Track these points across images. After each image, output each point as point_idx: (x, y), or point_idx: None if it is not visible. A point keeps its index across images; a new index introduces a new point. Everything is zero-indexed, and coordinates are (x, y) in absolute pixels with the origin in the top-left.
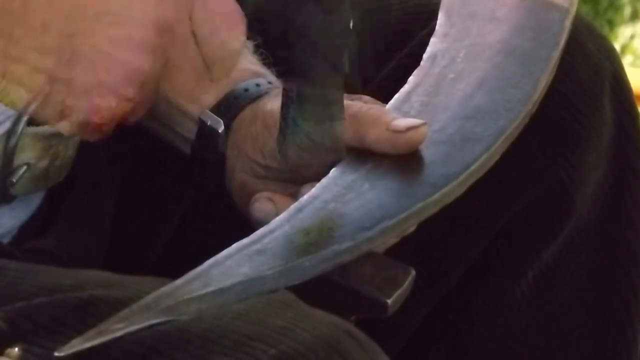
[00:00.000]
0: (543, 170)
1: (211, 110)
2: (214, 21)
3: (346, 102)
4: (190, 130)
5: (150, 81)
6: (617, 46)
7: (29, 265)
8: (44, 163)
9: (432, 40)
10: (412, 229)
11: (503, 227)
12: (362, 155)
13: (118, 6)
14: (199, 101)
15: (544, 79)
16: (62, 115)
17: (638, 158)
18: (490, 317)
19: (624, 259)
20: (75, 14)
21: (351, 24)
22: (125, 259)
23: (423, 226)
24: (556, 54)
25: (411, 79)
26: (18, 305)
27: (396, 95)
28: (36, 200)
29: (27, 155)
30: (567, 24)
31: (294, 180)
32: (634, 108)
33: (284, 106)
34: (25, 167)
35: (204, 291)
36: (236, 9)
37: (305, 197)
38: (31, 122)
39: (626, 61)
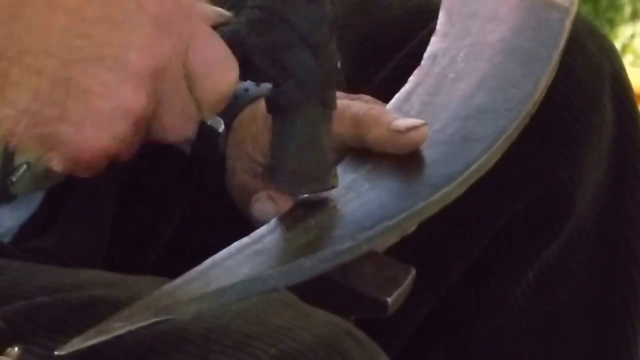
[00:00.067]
0: (543, 170)
1: None
2: (207, 66)
3: (346, 102)
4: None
5: (141, 121)
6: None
7: (30, 264)
8: (44, 162)
9: (433, 39)
10: (412, 229)
11: (503, 227)
12: (363, 155)
13: (113, 51)
14: None
15: (545, 79)
16: (52, 145)
17: (638, 157)
18: (491, 316)
19: (624, 258)
20: (70, 57)
21: (339, 64)
22: (125, 259)
23: (423, 226)
24: (556, 54)
25: (411, 78)
26: (18, 305)
27: (396, 95)
28: (36, 199)
29: (28, 154)
30: (568, 23)
31: None
32: (635, 107)
33: (274, 138)
34: (25, 167)
35: (204, 291)
36: (228, 54)
37: (305, 197)
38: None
39: (626, 61)
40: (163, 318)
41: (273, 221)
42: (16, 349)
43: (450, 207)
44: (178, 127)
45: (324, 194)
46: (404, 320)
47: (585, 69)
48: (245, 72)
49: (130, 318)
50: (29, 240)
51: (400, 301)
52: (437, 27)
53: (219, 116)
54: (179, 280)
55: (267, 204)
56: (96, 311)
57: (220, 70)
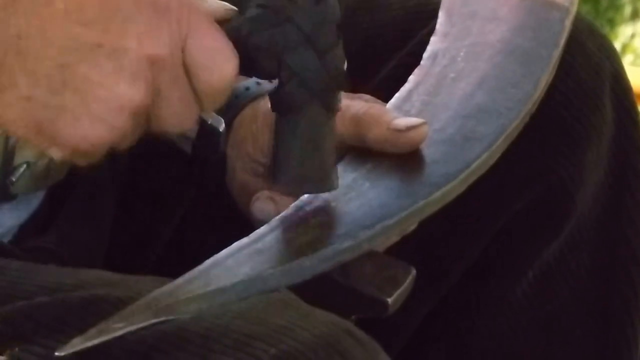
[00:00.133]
0: (543, 169)
1: None
2: (206, 57)
3: (347, 101)
4: (190, 130)
5: (140, 111)
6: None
7: (30, 264)
8: (44, 162)
9: (433, 39)
10: (412, 228)
11: (504, 226)
12: (363, 154)
13: (112, 39)
14: None
15: (545, 79)
16: (52, 141)
17: (638, 157)
18: (491, 316)
19: (624, 258)
20: (69, 45)
21: (345, 65)
22: (125, 258)
23: (424, 225)
24: (556, 54)
25: (412, 78)
26: (19, 305)
27: (397, 95)
28: (37, 199)
29: (28, 153)
30: (568, 23)
31: None
32: (635, 107)
33: (276, 138)
34: (25, 166)
35: (204, 290)
36: (228, 46)
37: (305, 196)
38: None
39: (626, 60)
40: (163, 318)
41: (273, 221)
42: (17, 348)
43: (451, 206)
44: (177, 118)
45: (325, 194)
46: (404, 319)
47: (585, 68)
48: (247, 70)
49: (130, 318)
50: (29, 239)
51: (400, 301)
52: (437, 27)
53: (220, 115)
54: (179, 280)
55: (268, 204)
56: (96, 311)
57: (218, 62)
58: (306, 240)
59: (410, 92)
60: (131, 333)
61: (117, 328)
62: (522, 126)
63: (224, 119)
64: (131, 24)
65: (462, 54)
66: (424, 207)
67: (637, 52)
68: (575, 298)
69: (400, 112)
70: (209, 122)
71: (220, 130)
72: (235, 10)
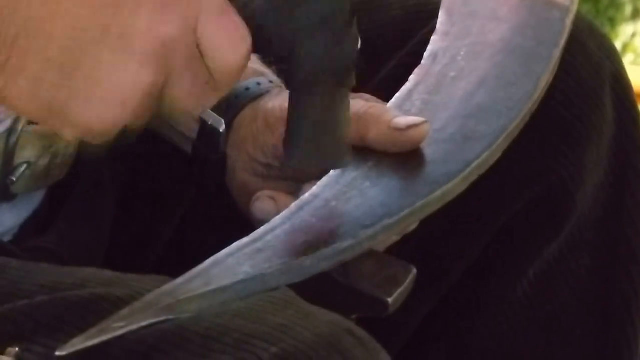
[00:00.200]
0: (544, 168)
1: (212, 109)
2: (219, 36)
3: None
4: (191, 129)
5: (153, 92)
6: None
7: (30, 263)
8: (44, 161)
9: (433, 38)
10: (413, 227)
11: (504, 226)
12: (363, 153)
13: (123, 20)
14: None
15: (545, 78)
16: (64, 123)
17: (639, 157)
18: (491, 315)
19: (624, 257)
20: (79, 27)
21: (359, 44)
22: (126, 258)
23: (424, 224)
24: (557, 53)
25: (412, 77)
26: (19, 304)
27: (397, 94)
28: (37, 198)
29: (28, 153)
30: (568, 22)
31: (295, 178)
32: (635, 107)
33: (290, 115)
34: (25, 165)
35: (204, 289)
36: (241, 25)
37: (306, 196)
38: (32, 121)
39: (627, 60)
40: (164, 317)
41: (273, 220)
42: (17, 348)
43: (451, 205)
44: (191, 99)
45: (325, 193)
46: (404, 318)
47: (586, 68)
48: (261, 49)
49: (131, 317)
50: (30, 239)
51: (401, 300)
52: (438, 26)
53: (220, 116)
54: (179, 280)
55: (268, 203)
56: (97, 310)
57: (232, 41)
58: (306, 239)
59: (410, 92)
60: (131, 332)
61: (118, 327)
62: (522, 125)
63: (224, 119)
64: (141, 5)
65: (462, 53)
66: (424, 206)
67: (637, 52)
68: (575, 298)
69: (401, 112)
70: (209, 123)
71: (221, 130)
72: None
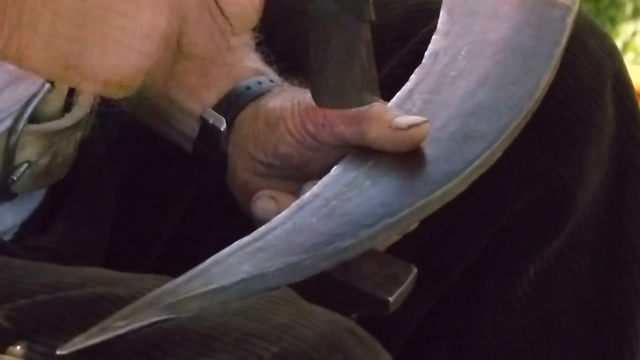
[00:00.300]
0: (545, 167)
1: (213, 108)
2: None
3: None
4: (192, 128)
5: (169, 36)
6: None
7: (31, 263)
8: (45, 160)
9: (434, 37)
10: (414, 227)
11: (504, 225)
12: (364, 152)
13: None
14: (200, 99)
15: (546, 77)
16: (82, 76)
17: (639, 155)
18: (492, 314)
19: (625, 256)
20: None
21: None
22: (126, 257)
23: (425, 224)
24: (558, 52)
25: (413, 76)
26: (20, 303)
27: (398, 93)
28: (38, 197)
29: (29, 152)
30: (569, 21)
31: (296, 178)
32: (636, 106)
33: (314, 51)
34: (26, 165)
35: (205, 289)
36: None
37: (306, 195)
38: (32, 120)
39: (628, 59)
40: (165, 316)
41: (274, 219)
42: (18, 347)
43: (452, 205)
44: (208, 43)
45: (325, 192)
46: (405, 318)
47: (587, 67)
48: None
49: (132, 316)
50: (30, 238)
51: (401, 299)
52: (439, 25)
53: (221, 115)
54: (180, 279)
55: (268, 203)
56: (97, 309)
57: None
58: (307, 238)
59: (411, 91)
60: (132, 332)
61: (119, 327)
62: (523, 124)
63: (225, 118)
64: None
65: (463, 52)
66: (425, 205)
67: (638, 51)
68: (576, 297)
69: (402, 111)
70: (210, 122)
71: (221, 129)
72: None
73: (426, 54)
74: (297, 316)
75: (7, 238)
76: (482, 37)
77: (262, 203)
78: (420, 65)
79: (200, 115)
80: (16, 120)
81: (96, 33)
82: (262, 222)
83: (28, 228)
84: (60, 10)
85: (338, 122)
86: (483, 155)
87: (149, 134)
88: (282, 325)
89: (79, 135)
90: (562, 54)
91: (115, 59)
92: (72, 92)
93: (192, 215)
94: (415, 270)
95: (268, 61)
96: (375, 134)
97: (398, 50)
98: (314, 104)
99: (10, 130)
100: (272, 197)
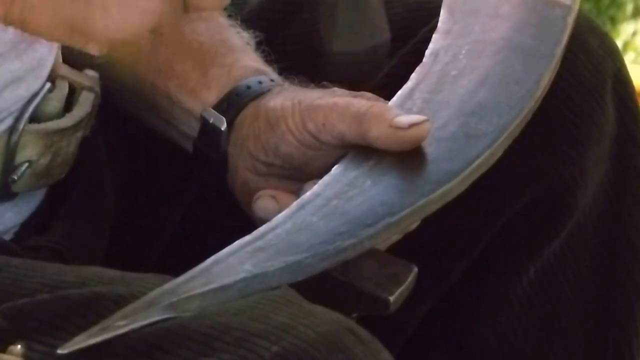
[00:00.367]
0: (545, 167)
1: (213, 108)
2: None
3: (348, 99)
4: (192, 128)
5: None
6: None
7: (31, 262)
8: (45, 160)
9: (435, 37)
10: (414, 226)
11: (505, 224)
12: (365, 152)
13: None
14: (200, 98)
15: (547, 76)
16: (88, 37)
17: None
18: (492, 314)
19: (625, 256)
20: None
21: None
22: (127, 256)
23: (425, 223)
24: (559, 51)
25: (413, 76)
26: (20, 302)
27: (398, 92)
28: (38, 197)
29: (29, 152)
30: (570, 20)
31: (296, 177)
32: (636, 105)
33: (324, 8)
34: (27, 164)
35: (206, 288)
36: None
37: (307, 194)
38: (33, 119)
39: (628, 58)
40: (166, 316)
41: (275, 219)
42: (19, 346)
43: (452, 204)
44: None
45: (326, 192)
46: (405, 317)
47: (587, 66)
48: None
49: (132, 316)
50: (31, 238)
51: (402, 299)
52: (439, 24)
53: (221, 114)
54: (181, 278)
55: (269, 202)
56: (98, 308)
57: None
58: (307, 238)
59: (412, 90)
60: (133, 331)
61: (119, 326)
62: (524, 124)
63: (225, 117)
64: None
65: (464, 51)
66: (425, 205)
67: (638, 50)
68: (576, 297)
69: (402, 110)
70: (211, 121)
71: (222, 129)
72: None
73: (427, 53)
74: (297, 315)
75: (7, 237)
76: (483, 36)
77: (262, 202)
78: (421, 65)
79: (201, 115)
80: (17, 120)
81: None
82: (263, 221)
83: (28, 228)
84: None
85: (339, 122)
86: (483, 154)
87: (149, 134)
88: (282, 324)
89: (79, 134)
90: (562, 54)
91: (119, 17)
92: (72, 92)
93: (192, 215)
94: (415, 269)
95: (268, 60)
96: (376, 133)
97: (398, 49)
98: (314, 103)
99: (11, 130)
100: (273, 197)
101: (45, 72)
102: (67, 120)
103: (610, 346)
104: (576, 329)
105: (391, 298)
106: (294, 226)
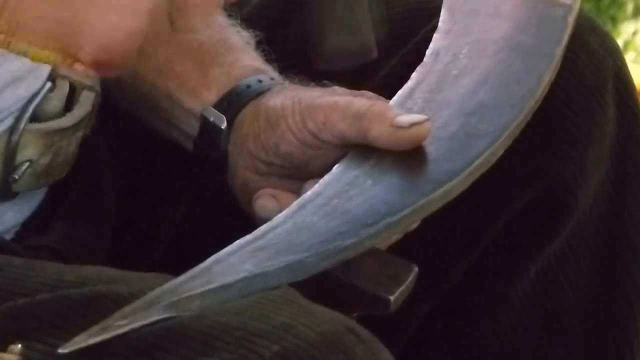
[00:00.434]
0: (545, 167)
1: (213, 107)
2: None
3: (349, 98)
4: (192, 127)
5: (155, 10)
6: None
7: (32, 261)
8: (46, 159)
9: (435, 36)
10: (415, 225)
11: (505, 224)
12: (365, 151)
13: None
14: (200, 97)
15: (548, 75)
16: (74, 57)
17: None
18: (492, 313)
19: (625, 256)
20: None
21: None
22: (127, 256)
23: (426, 223)
24: (559, 51)
25: (414, 75)
26: (21, 302)
27: (399, 92)
28: (38, 196)
29: (30, 151)
30: (570, 20)
31: (297, 176)
32: (637, 105)
33: (308, 21)
34: (27, 164)
35: (206, 287)
36: None
37: (308, 194)
38: (33, 119)
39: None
40: (166, 315)
41: (275, 218)
42: (19, 345)
43: (453, 203)
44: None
45: (327, 191)
46: (406, 317)
47: (588, 66)
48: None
49: (133, 315)
50: (31, 237)
51: (402, 298)
52: (440, 24)
53: (222, 113)
54: (181, 278)
55: (269, 201)
56: (98, 307)
57: None
58: (308, 237)
59: (412, 90)
60: (133, 330)
61: (120, 325)
62: (524, 123)
63: (225, 116)
64: None
65: (464, 51)
66: (426, 204)
67: (639, 50)
68: (576, 297)
69: (403, 110)
70: (211, 120)
71: (222, 128)
72: None
73: (427, 52)
74: (298, 315)
75: (8, 237)
76: (483, 35)
77: (263, 202)
78: (422, 64)
79: (201, 114)
80: (17, 120)
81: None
82: (263, 220)
83: (29, 227)
84: None
85: (339, 121)
86: (484, 154)
87: (149, 134)
88: (283, 324)
89: (80, 134)
90: (563, 53)
91: (112, 20)
92: (73, 91)
93: (193, 214)
94: (416, 269)
95: (268, 60)
96: (377, 132)
97: (399, 49)
98: (314, 102)
99: (12, 129)
100: (273, 196)
101: (45, 72)
102: (67, 120)
103: (611, 346)
104: (577, 329)
105: (391, 298)
106: (294, 225)
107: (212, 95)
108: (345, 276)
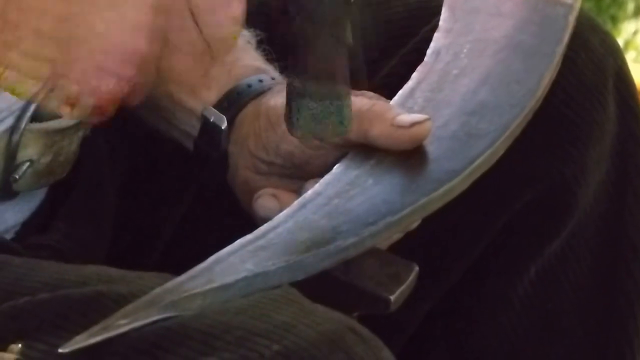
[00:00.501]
0: (546, 166)
1: (214, 107)
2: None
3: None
4: (192, 127)
5: (148, 61)
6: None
7: (32, 261)
8: (46, 159)
9: (436, 35)
10: (416, 225)
11: (506, 224)
12: (366, 151)
13: None
14: (201, 97)
15: (548, 75)
16: (59, 91)
17: None
18: (493, 313)
19: (626, 255)
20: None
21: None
22: (128, 255)
23: (426, 222)
24: (560, 50)
25: (415, 75)
26: (21, 301)
27: (400, 91)
28: (39, 196)
29: (30, 151)
30: (571, 19)
31: (297, 176)
32: (637, 104)
33: (290, 85)
34: (28, 164)
35: (207, 287)
36: None
37: (308, 193)
38: (34, 119)
39: (629, 57)
40: (167, 315)
41: (276, 218)
42: (20, 345)
43: (453, 203)
44: (188, 68)
45: (327, 190)
46: (406, 316)
47: (588, 65)
48: (255, 8)
49: (133, 315)
50: (32, 237)
51: (403, 298)
52: (440, 23)
53: (222, 113)
54: (182, 277)
55: (270, 201)
56: (99, 307)
57: (224, 3)
58: (309, 237)
59: (413, 89)
60: (134, 330)
61: (120, 325)
62: (525, 123)
63: (226, 116)
64: None
65: (465, 50)
66: (427, 203)
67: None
68: (577, 296)
69: (404, 109)
70: (211, 120)
71: (223, 127)
72: None
73: (428, 52)
74: (298, 315)
75: (8, 237)
76: (484, 35)
77: (263, 201)
78: (422, 64)
79: (202, 114)
80: (18, 119)
81: (78, 55)
82: (264, 220)
83: (29, 227)
84: (42, 31)
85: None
86: (485, 153)
87: (149, 134)
88: (283, 323)
89: (80, 134)
90: (564, 52)
91: (94, 82)
92: None
93: (193, 214)
94: (416, 268)
95: (269, 59)
96: (377, 132)
97: (399, 48)
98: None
99: (13, 129)
100: (274, 196)
101: None
102: (68, 120)
103: (611, 345)
104: (577, 329)
105: (392, 297)
106: (295, 225)
107: (213, 94)
108: (345, 276)
